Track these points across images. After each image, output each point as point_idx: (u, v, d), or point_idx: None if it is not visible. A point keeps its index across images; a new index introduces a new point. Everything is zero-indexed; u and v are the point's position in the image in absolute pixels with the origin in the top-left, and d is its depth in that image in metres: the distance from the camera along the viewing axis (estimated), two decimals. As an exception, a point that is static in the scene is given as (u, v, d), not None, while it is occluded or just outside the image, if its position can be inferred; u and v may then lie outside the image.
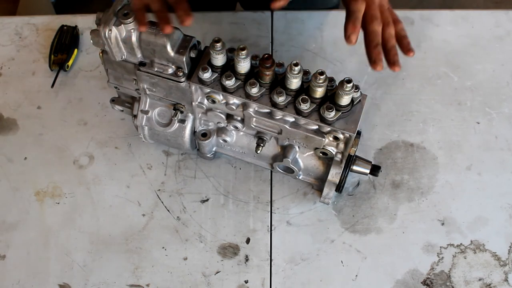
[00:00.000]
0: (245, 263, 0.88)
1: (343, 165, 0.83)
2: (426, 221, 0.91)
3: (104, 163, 0.97)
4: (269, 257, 0.88)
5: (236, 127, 0.86)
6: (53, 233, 0.91)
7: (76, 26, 1.11)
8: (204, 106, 0.83)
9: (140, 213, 0.92)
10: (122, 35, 0.75)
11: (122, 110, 0.94)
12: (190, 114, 0.87)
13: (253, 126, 0.83)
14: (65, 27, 1.10)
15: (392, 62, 0.70)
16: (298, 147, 0.86)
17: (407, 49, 0.72)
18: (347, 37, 0.69)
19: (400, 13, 1.12)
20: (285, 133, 0.81)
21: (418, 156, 0.97)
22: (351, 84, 0.72)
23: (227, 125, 0.87)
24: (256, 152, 0.86)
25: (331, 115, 0.74)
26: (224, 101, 0.81)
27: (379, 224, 0.90)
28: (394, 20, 0.74)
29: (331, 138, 0.79)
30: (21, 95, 1.04)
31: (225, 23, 1.12)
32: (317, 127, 0.78)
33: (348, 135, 0.76)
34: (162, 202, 0.93)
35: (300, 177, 0.91)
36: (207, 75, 0.77)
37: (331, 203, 0.92)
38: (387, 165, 0.95)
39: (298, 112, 0.76)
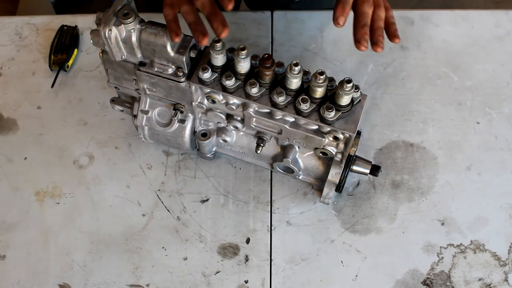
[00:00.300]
0: (245, 263, 0.88)
1: (343, 165, 0.84)
2: (426, 221, 0.91)
3: (104, 163, 0.97)
4: (269, 257, 0.88)
5: (236, 127, 0.86)
6: (53, 233, 0.91)
7: (76, 26, 1.11)
8: (204, 106, 0.83)
9: (140, 213, 0.92)
10: (122, 35, 0.75)
11: (122, 110, 0.94)
12: (190, 114, 0.87)
13: (253, 126, 0.83)
14: (65, 27, 1.10)
15: (375, 42, 0.70)
16: (298, 147, 0.86)
17: (393, 35, 0.72)
18: (335, 19, 0.69)
19: (400, 13, 1.13)
20: (285, 133, 0.81)
21: (418, 156, 0.97)
22: (351, 84, 0.72)
23: (227, 125, 0.87)
24: (256, 152, 0.86)
25: (331, 115, 0.74)
26: (224, 101, 0.81)
27: (379, 224, 0.90)
28: (385, 7, 0.75)
29: (331, 138, 0.79)
30: (21, 95, 1.04)
31: (225, 23, 1.12)
32: (317, 127, 0.78)
33: (348, 135, 0.77)
34: (162, 202, 0.93)
35: (300, 177, 0.91)
36: (207, 75, 0.77)
37: (331, 203, 0.92)
38: (387, 165, 0.95)
39: (298, 112, 0.76)
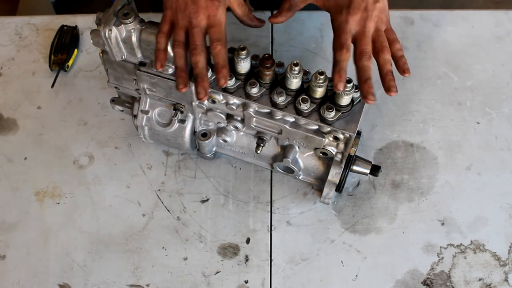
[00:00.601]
0: (245, 263, 0.88)
1: (343, 165, 0.84)
2: (426, 221, 0.91)
3: (104, 163, 0.97)
4: (269, 257, 0.88)
5: (236, 127, 0.86)
6: (53, 233, 0.91)
7: (76, 26, 1.11)
8: (204, 106, 0.83)
9: (140, 213, 0.92)
10: (122, 35, 0.75)
11: (122, 110, 0.94)
12: (190, 114, 0.87)
13: (253, 126, 0.83)
14: (65, 27, 1.10)
15: (387, 88, 0.71)
16: (298, 147, 0.86)
17: (402, 70, 0.73)
18: (334, 86, 0.70)
19: (400, 13, 1.13)
20: (285, 133, 0.81)
21: (418, 156, 0.97)
22: (351, 84, 0.72)
23: (227, 125, 0.87)
24: (256, 152, 0.86)
25: (331, 115, 0.74)
26: (224, 101, 0.81)
27: (379, 224, 0.90)
28: (392, 40, 0.74)
29: (331, 138, 0.79)
30: (21, 95, 1.04)
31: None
32: (317, 127, 0.78)
33: (348, 135, 0.77)
34: (162, 202, 0.93)
35: (300, 177, 0.91)
36: (207, 75, 0.77)
37: (331, 203, 0.92)
38: (387, 165, 0.95)
39: (298, 112, 0.77)
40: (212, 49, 0.71)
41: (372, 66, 0.72)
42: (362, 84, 0.70)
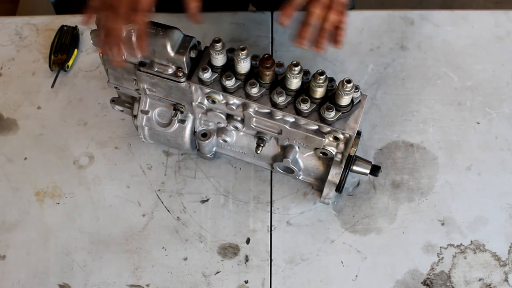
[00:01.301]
0: (245, 263, 0.88)
1: (343, 165, 0.84)
2: (426, 221, 0.91)
3: (104, 163, 0.97)
4: (269, 257, 0.88)
5: (236, 127, 0.86)
6: (53, 233, 0.91)
7: (76, 26, 1.10)
8: (204, 106, 0.83)
9: (140, 213, 0.92)
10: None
11: (122, 110, 0.94)
12: (190, 114, 0.87)
13: (253, 126, 0.83)
14: (65, 27, 1.10)
15: (315, 42, 0.71)
16: (298, 147, 0.86)
17: (336, 40, 0.73)
18: (280, 21, 0.70)
19: (400, 13, 1.13)
20: (285, 133, 0.81)
21: (418, 156, 0.97)
22: (351, 84, 0.72)
23: (227, 125, 0.87)
24: (256, 152, 0.86)
25: (331, 115, 0.74)
26: (224, 101, 0.81)
27: (379, 224, 0.90)
28: (341, 12, 0.74)
29: (331, 138, 0.79)
30: (21, 95, 1.04)
31: (225, 23, 1.12)
32: (317, 127, 0.78)
33: (348, 135, 0.77)
34: (162, 202, 0.93)
35: (300, 177, 0.91)
36: (207, 75, 0.77)
37: (331, 203, 0.92)
38: (387, 165, 0.95)
39: (298, 112, 0.77)
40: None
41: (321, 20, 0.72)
42: (302, 26, 0.70)
